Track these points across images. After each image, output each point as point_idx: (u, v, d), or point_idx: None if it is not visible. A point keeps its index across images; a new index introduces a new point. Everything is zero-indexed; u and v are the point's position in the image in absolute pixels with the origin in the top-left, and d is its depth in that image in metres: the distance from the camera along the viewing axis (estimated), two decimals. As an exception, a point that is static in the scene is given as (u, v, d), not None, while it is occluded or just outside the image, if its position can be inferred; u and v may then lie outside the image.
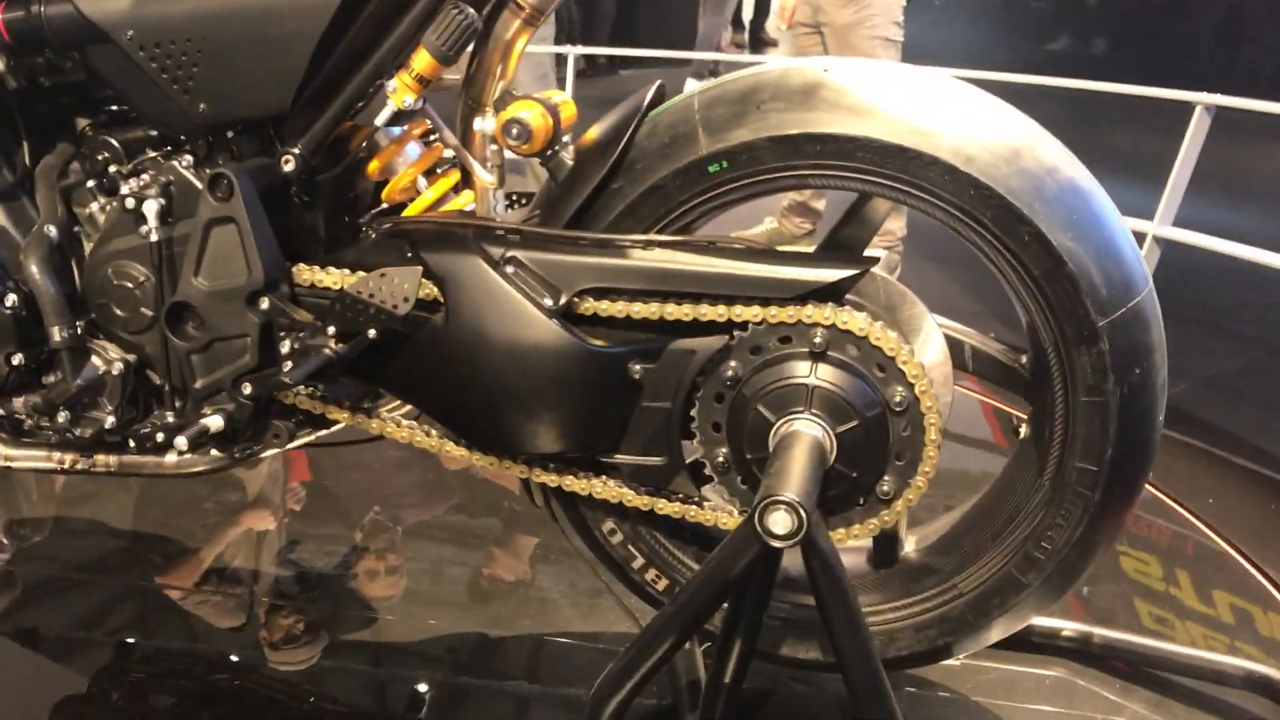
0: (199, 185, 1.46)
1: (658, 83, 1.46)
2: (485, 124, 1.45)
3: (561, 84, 4.43)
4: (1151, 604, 2.04)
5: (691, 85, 5.41)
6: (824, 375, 1.34)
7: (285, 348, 1.45)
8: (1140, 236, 3.61)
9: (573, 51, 4.06)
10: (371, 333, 1.40)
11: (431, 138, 1.57)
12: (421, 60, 1.39)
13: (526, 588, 2.03)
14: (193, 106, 1.45)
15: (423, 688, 1.75)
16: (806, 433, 1.33)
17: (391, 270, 1.39)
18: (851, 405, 1.34)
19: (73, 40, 1.48)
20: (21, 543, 2.17)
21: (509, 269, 1.38)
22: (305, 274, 1.46)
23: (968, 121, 1.30)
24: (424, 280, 1.39)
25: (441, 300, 1.40)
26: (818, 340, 1.33)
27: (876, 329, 1.32)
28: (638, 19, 8.92)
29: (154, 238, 1.48)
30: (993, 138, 1.30)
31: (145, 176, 1.50)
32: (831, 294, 1.34)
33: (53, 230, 1.54)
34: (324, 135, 1.44)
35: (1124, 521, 1.41)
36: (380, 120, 1.43)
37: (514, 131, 1.40)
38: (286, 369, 1.43)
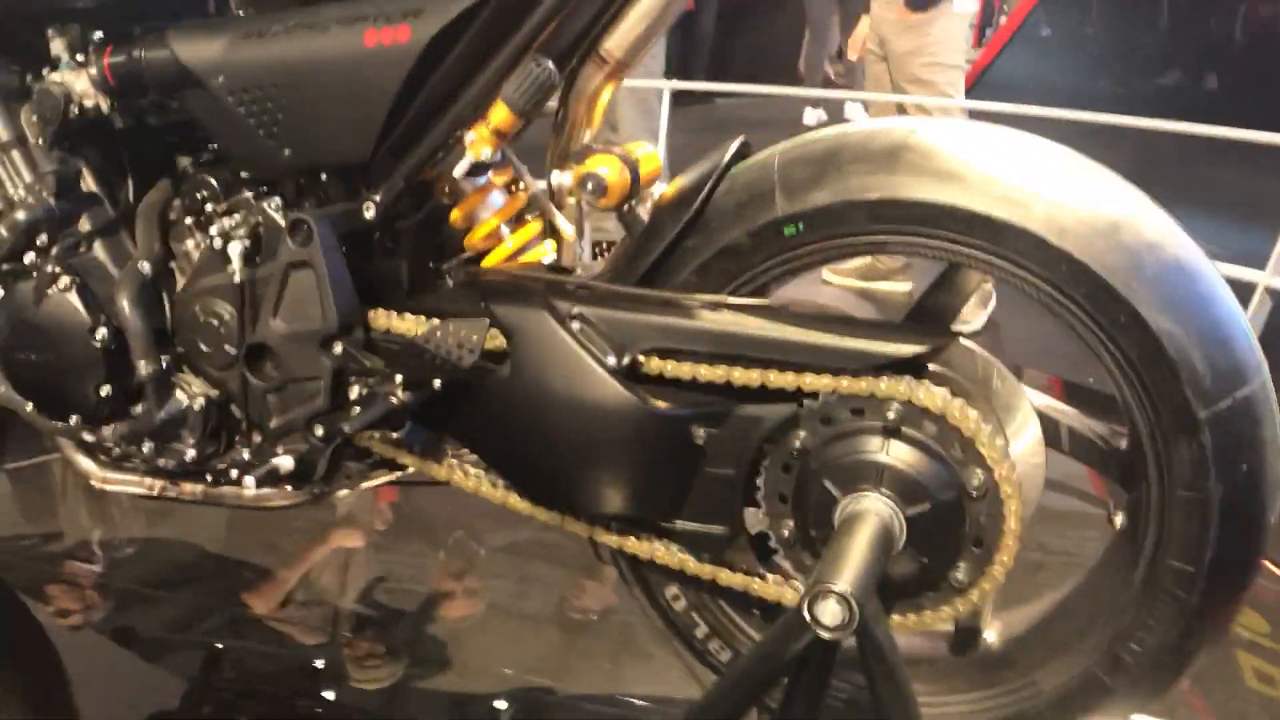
0: (282, 228, 1.46)
1: (740, 139, 1.41)
2: (563, 178, 1.43)
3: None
4: (1258, 659, 1.93)
5: (809, 115, 5.44)
6: (896, 453, 1.27)
7: (354, 393, 1.45)
8: (1249, 288, 3.45)
9: (667, 87, 4.04)
10: (437, 382, 1.39)
11: (518, 185, 1.55)
12: (499, 113, 1.37)
13: (608, 614, 2.01)
14: (278, 151, 1.47)
15: (501, 706, 1.74)
16: (873, 513, 1.25)
17: (459, 321, 1.38)
18: (924, 487, 1.26)
19: (170, 84, 1.51)
20: (115, 555, 2.22)
21: (575, 325, 1.35)
22: (381, 319, 1.46)
23: (1063, 191, 1.23)
24: (492, 332, 1.37)
25: (508, 353, 1.38)
26: (891, 416, 1.26)
27: (956, 407, 1.25)
28: (736, 45, 8.80)
29: (237, 278, 1.50)
30: (1090, 209, 1.22)
31: (236, 217, 1.52)
32: (910, 366, 1.28)
33: (146, 267, 1.57)
34: (404, 184, 1.44)
35: (1226, 627, 1.30)
36: (458, 172, 1.42)
37: (589, 186, 1.37)
38: (354, 414, 1.43)
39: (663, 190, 1.44)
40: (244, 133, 1.46)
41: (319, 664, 1.85)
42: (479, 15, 1.33)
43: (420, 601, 2.03)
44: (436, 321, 1.41)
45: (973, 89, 4.83)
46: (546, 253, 1.50)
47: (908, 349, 1.27)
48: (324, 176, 1.48)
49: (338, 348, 1.44)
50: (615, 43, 1.38)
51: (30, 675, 1.88)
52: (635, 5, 1.37)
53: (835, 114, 7.28)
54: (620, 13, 1.37)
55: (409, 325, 1.44)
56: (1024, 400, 1.36)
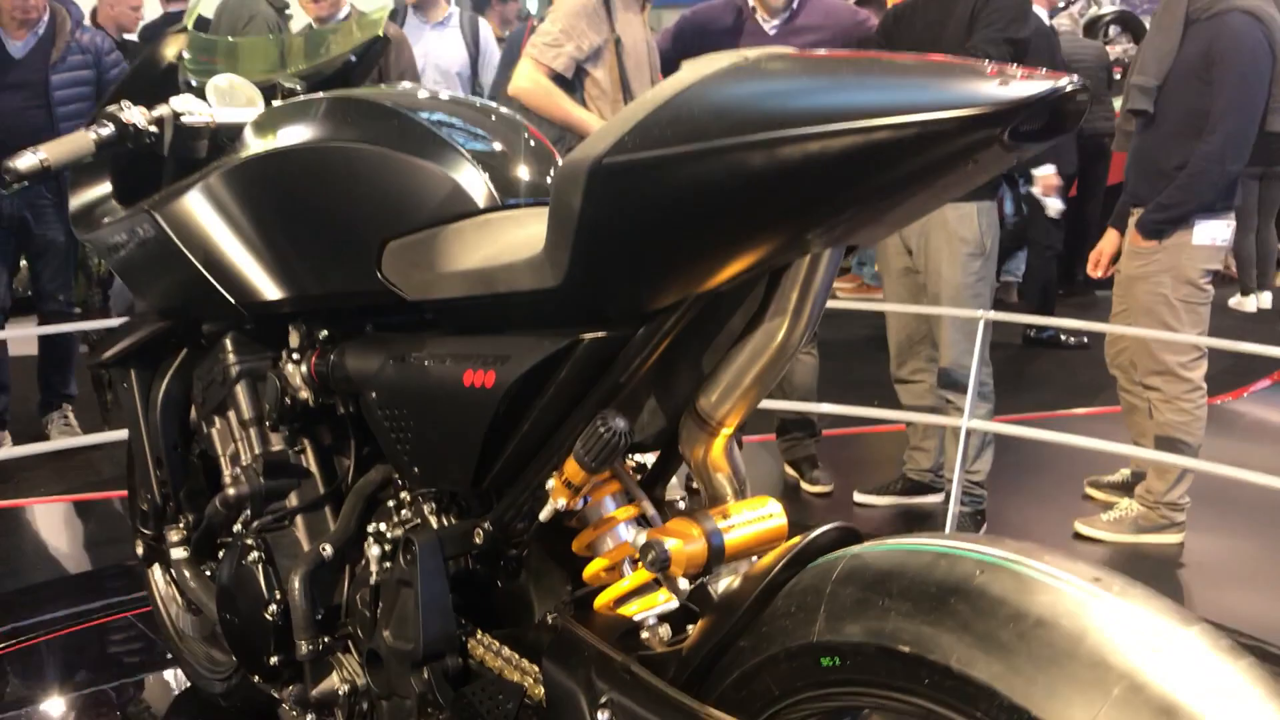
0: (399, 541, 1.49)
1: (836, 524, 1.17)
2: (638, 537, 1.27)
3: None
4: None
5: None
6: None
7: None
8: None
9: (984, 317, 3.51)
10: None
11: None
12: (571, 466, 1.28)
13: None
14: (410, 467, 1.51)
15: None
16: None
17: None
18: None
19: (347, 390, 1.61)
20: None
21: (603, 715, 1.20)
22: (478, 649, 1.41)
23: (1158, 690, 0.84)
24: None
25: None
26: None
27: None
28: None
29: (372, 580, 1.55)
30: None
31: (385, 520, 1.58)
32: None
33: (328, 550, 1.65)
34: (510, 516, 1.40)
35: None
36: (543, 516, 1.34)
37: (649, 556, 1.21)
38: None
39: (749, 565, 1.23)
40: (389, 445, 1.52)
41: None
42: (558, 368, 1.29)
43: None
44: (526, 664, 1.35)
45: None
46: (659, 602, 1.34)
47: None
48: (447, 496, 1.50)
49: (424, 672, 1.41)
50: (710, 403, 1.25)
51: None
52: (728, 366, 1.23)
53: None
54: (713, 373, 1.24)
55: (499, 663, 1.38)
56: None
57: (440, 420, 1.43)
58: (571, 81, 3.45)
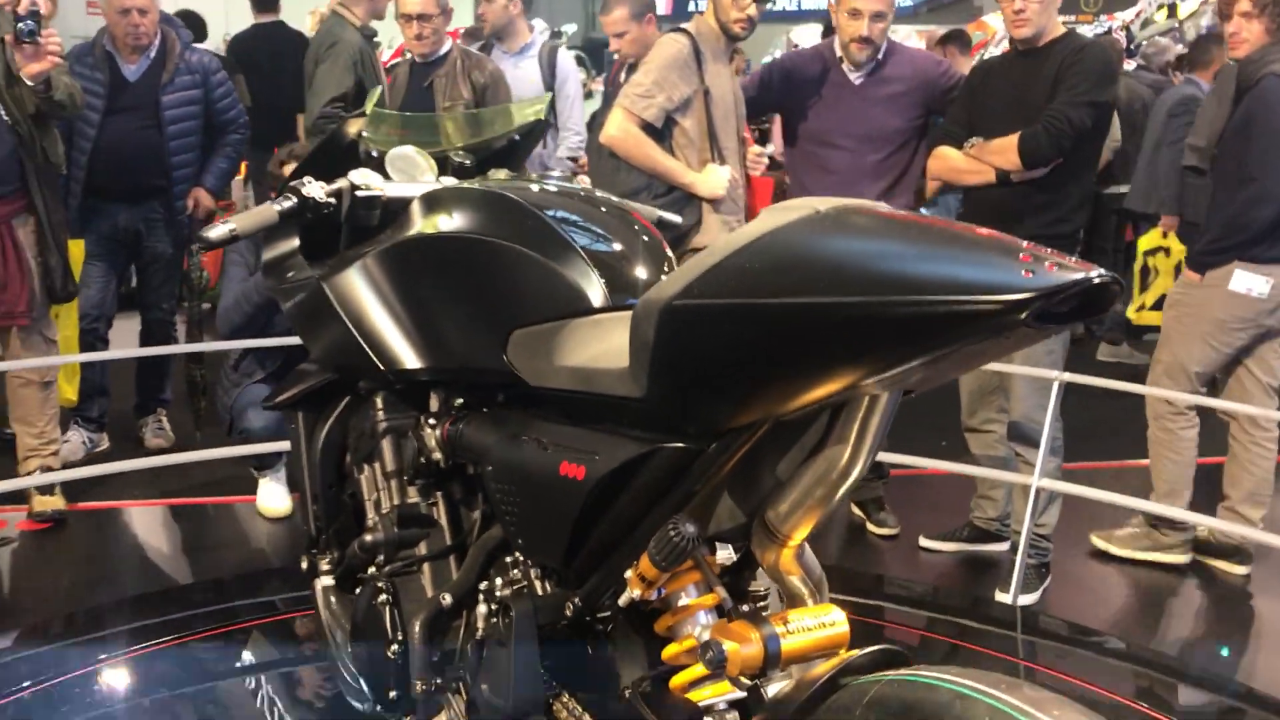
0: (497, 604, 1.62)
1: (882, 647, 1.31)
2: (703, 633, 1.39)
3: None
4: None
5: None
6: None
7: None
8: None
9: (1058, 379, 3.53)
10: None
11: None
12: (645, 562, 1.39)
13: None
14: (515, 538, 1.63)
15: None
16: None
17: None
18: None
19: (472, 458, 1.76)
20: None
21: None
22: (562, 712, 1.52)
23: None
24: None
25: None
26: None
27: None
28: None
29: (478, 634, 1.67)
30: None
31: (505, 577, 1.70)
32: None
33: (447, 599, 1.78)
34: (597, 595, 1.51)
35: None
36: (621, 603, 1.44)
37: (708, 655, 1.32)
38: None
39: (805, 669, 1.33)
40: (500, 513, 1.66)
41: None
42: (639, 471, 1.40)
43: None
44: None
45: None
46: (727, 690, 1.44)
47: None
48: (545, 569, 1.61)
49: None
50: (778, 515, 1.36)
51: None
52: (794, 486, 1.33)
53: None
54: (781, 490, 1.35)
55: None
56: None
57: (538, 503, 1.55)
58: (661, 130, 3.55)
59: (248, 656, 3.00)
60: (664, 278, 1.60)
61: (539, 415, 1.64)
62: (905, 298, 1.07)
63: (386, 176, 2.01)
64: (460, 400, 1.84)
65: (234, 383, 4.04)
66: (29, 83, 3.63)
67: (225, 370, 4.12)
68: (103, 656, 2.78)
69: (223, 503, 4.19)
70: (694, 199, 3.61)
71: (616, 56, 5.36)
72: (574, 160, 5.00)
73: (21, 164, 3.74)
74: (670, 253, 1.80)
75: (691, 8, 15.61)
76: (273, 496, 4.06)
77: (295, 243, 2.10)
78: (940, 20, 14.19)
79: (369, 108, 2.16)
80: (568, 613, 1.54)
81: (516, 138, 2.25)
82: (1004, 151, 3.42)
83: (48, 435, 3.96)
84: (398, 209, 1.92)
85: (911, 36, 11.78)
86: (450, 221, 1.82)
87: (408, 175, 2.02)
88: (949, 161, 3.62)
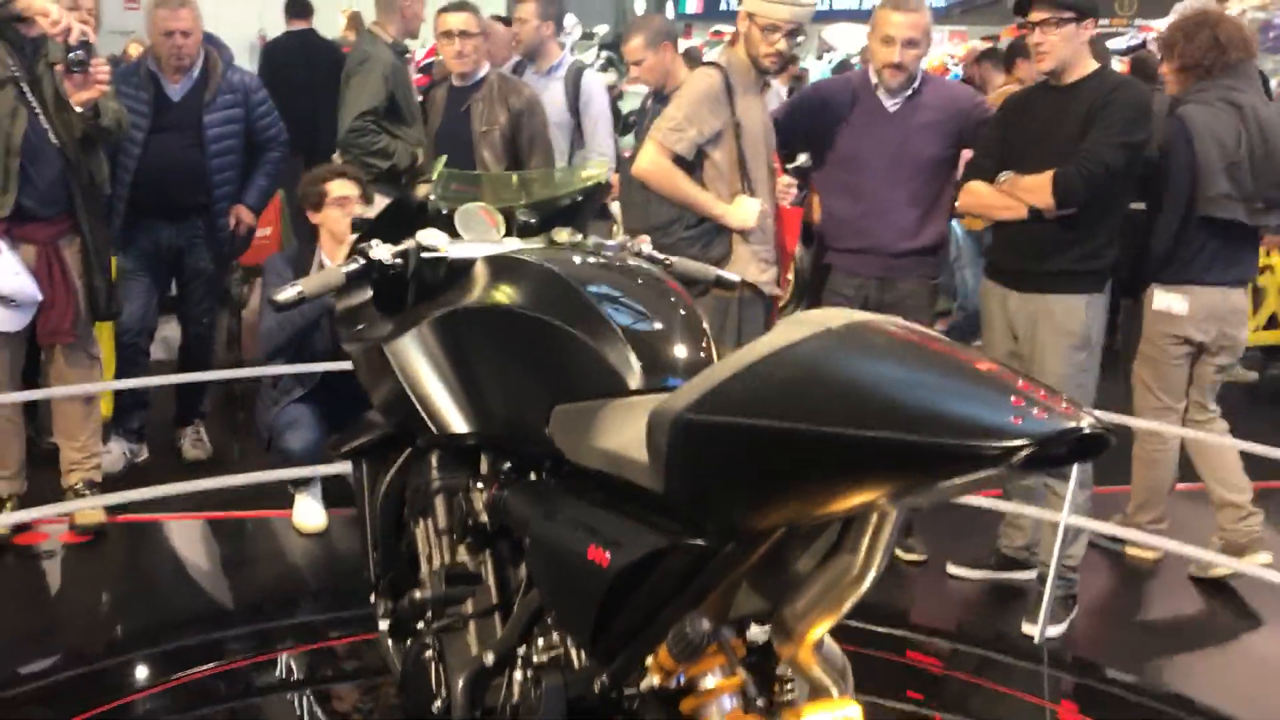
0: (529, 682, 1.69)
1: None
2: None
3: None
4: None
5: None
6: None
7: None
8: None
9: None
10: None
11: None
12: (663, 653, 1.45)
13: None
14: (549, 609, 1.72)
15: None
16: None
17: None
18: None
19: (514, 526, 1.86)
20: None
21: None
22: None
23: None
24: None
25: None
26: None
27: None
28: None
29: (514, 698, 1.77)
30: None
31: (544, 641, 1.77)
32: None
33: (490, 658, 1.85)
34: (622, 674, 1.56)
35: None
36: (642, 687, 1.51)
37: None
38: None
39: None
40: (537, 584, 1.72)
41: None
42: (658, 565, 1.44)
43: None
44: None
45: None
46: None
47: None
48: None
49: None
50: (794, 614, 1.41)
51: None
52: (807, 589, 1.38)
53: None
54: (795, 592, 1.40)
55: None
56: None
57: (566, 583, 1.60)
58: (692, 163, 3.57)
59: (284, 681, 3.05)
60: (700, 353, 1.69)
61: (576, 491, 1.69)
62: (901, 436, 1.13)
63: (454, 233, 2.08)
64: (508, 464, 1.91)
65: (273, 400, 4.12)
66: (78, 109, 3.70)
67: (265, 387, 4.20)
68: (145, 683, 2.84)
69: (259, 517, 4.26)
70: (724, 230, 3.63)
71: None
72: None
73: (69, 186, 3.82)
74: (707, 329, 1.83)
75: (724, 5, 15.58)
76: (309, 513, 4.13)
77: (367, 294, 2.18)
78: (973, 21, 14.10)
79: (436, 171, 2.24)
80: (595, 689, 1.59)
81: (579, 198, 2.33)
82: (1037, 190, 3.42)
83: (90, 449, 4.05)
84: (462, 268, 2.00)
85: (944, 41, 11.70)
86: (502, 295, 1.89)
87: (475, 232, 2.10)
88: (980, 197, 3.63)
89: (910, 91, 3.80)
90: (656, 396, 1.62)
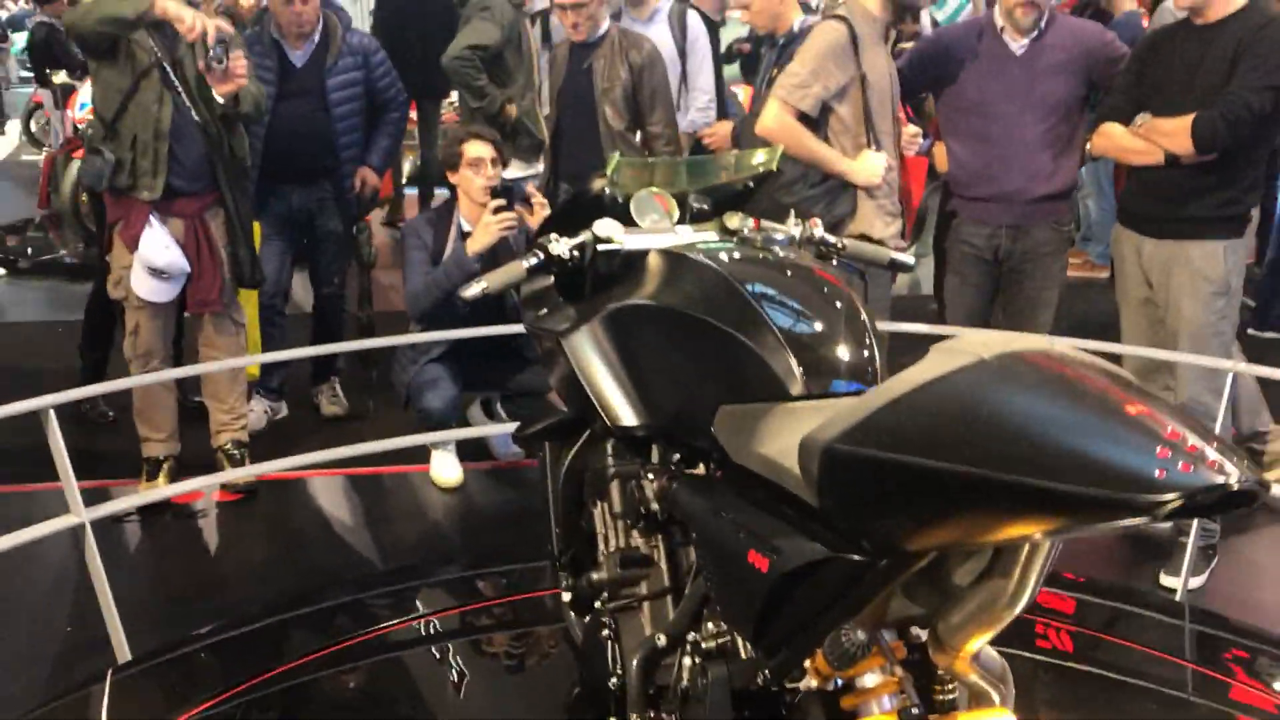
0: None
1: None
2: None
3: None
4: None
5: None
6: None
7: None
8: None
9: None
10: None
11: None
12: (820, 659, 1.51)
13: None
14: (715, 601, 1.78)
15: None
16: None
17: None
18: None
19: (682, 519, 1.95)
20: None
21: None
22: None
23: None
24: None
25: None
26: None
27: None
28: None
29: (683, 683, 1.85)
30: None
31: (713, 626, 1.86)
32: None
33: (662, 640, 1.95)
34: (783, 670, 1.61)
35: None
36: (800, 687, 1.59)
37: None
38: None
39: None
40: (704, 576, 1.79)
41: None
42: (814, 575, 1.48)
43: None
44: None
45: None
46: None
47: None
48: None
49: None
50: (947, 629, 1.45)
51: None
52: (961, 607, 1.41)
53: None
54: (949, 608, 1.44)
55: None
56: None
57: (729, 581, 1.66)
58: (816, 119, 3.54)
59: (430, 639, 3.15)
60: (864, 362, 1.71)
61: (739, 490, 1.73)
62: (1046, 484, 1.14)
63: (630, 219, 2.15)
64: (677, 455, 1.98)
65: (411, 359, 4.23)
66: (219, 99, 3.83)
67: (401, 346, 4.31)
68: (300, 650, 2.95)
69: (398, 472, 4.41)
70: (849, 187, 3.60)
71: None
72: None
73: (212, 163, 3.96)
74: (873, 328, 1.83)
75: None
76: (446, 467, 4.26)
77: (549, 281, 2.28)
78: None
79: (611, 166, 2.30)
80: (759, 681, 1.65)
81: (750, 184, 2.36)
82: (1175, 134, 3.31)
83: (237, 410, 4.24)
84: (635, 259, 2.07)
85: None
86: (670, 294, 1.94)
87: (650, 216, 2.16)
88: (1115, 140, 3.52)
89: (1036, 33, 3.70)
90: (817, 404, 1.67)
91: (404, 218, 8.14)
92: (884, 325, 2.66)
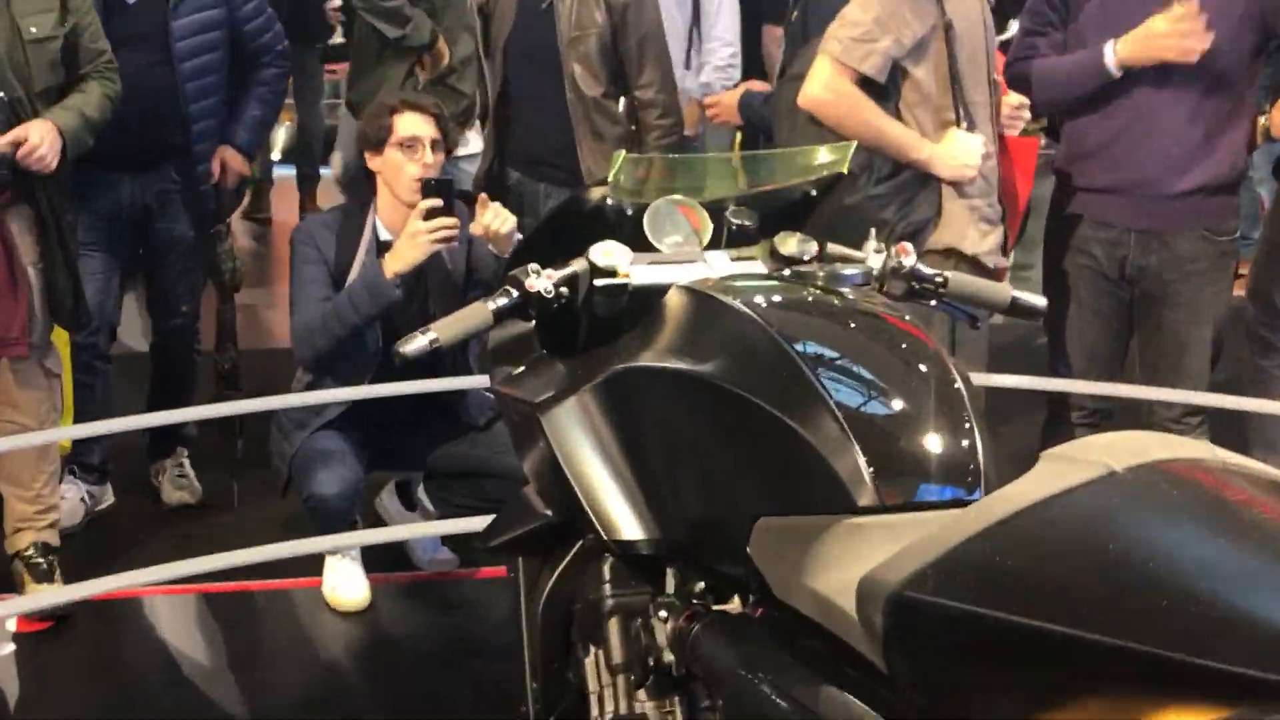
0: None
1: None
2: None
3: None
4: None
5: None
6: None
7: None
8: None
9: None
10: None
11: None
12: None
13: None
14: None
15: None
16: None
17: None
18: None
19: (706, 677, 1.98)
20: None
21: None
22: None
23: None
24: None
25: None
26: None
27: None
28: None
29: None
30: None
31: None
32: None
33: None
34: None
35: None
36: None
37: None
38: None
39: None
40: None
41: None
42: None
43: None
44: None
45: None
46: None
47: None
48: None
49: None
50: None
51: None
52: None
53: None
54: None
55: None
56: None
57: None
58: (883, 87, 3.48)
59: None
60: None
61: (786, 638, 1.73)
62: (1187, 658, 1.11)
63: (642, 240, 2.16)
64: (701, 585, 1.97)
65: (296, 424, 4.12)
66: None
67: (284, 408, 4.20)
68: None
69: (276, 588, 4.30)
70: (931, 181, 3.55)
71: None
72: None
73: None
74: (973, 410, 1.81)
75: None
76: (346, 581, 4.16)
77: (526, 327, 2.26)
78: None
79: (614, 166, 2.30)
80: None
81: (812, 192, 2.35)
82: None
83: (45, 500, 4.11)
84: (647, 297, 2.06)
85: None
86: (694, 354, 1.93)
87: (672, 236, 2.17)
88: None
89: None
90: (893, 520, 1.66)
91: (272, 212, 8.07)
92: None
